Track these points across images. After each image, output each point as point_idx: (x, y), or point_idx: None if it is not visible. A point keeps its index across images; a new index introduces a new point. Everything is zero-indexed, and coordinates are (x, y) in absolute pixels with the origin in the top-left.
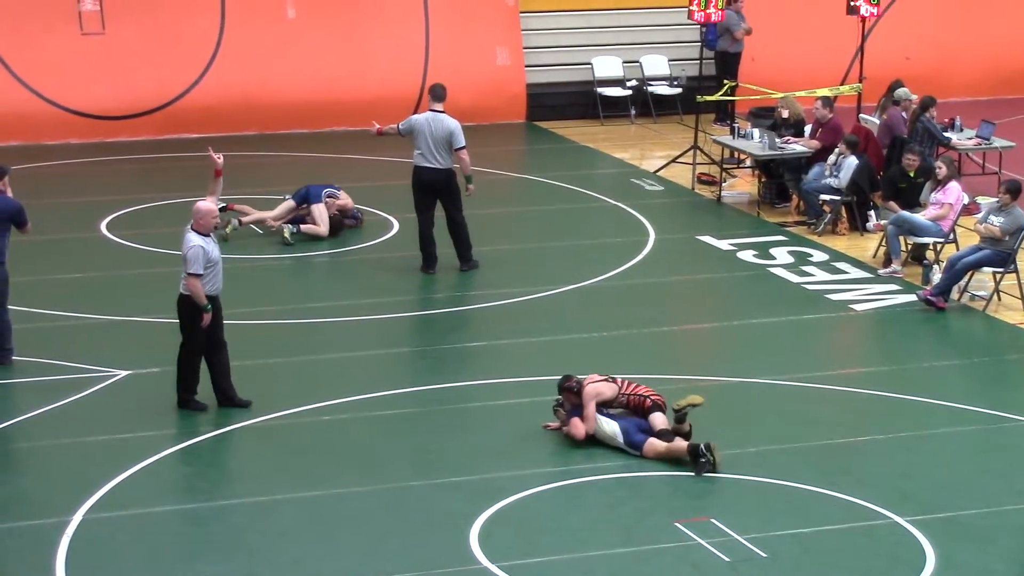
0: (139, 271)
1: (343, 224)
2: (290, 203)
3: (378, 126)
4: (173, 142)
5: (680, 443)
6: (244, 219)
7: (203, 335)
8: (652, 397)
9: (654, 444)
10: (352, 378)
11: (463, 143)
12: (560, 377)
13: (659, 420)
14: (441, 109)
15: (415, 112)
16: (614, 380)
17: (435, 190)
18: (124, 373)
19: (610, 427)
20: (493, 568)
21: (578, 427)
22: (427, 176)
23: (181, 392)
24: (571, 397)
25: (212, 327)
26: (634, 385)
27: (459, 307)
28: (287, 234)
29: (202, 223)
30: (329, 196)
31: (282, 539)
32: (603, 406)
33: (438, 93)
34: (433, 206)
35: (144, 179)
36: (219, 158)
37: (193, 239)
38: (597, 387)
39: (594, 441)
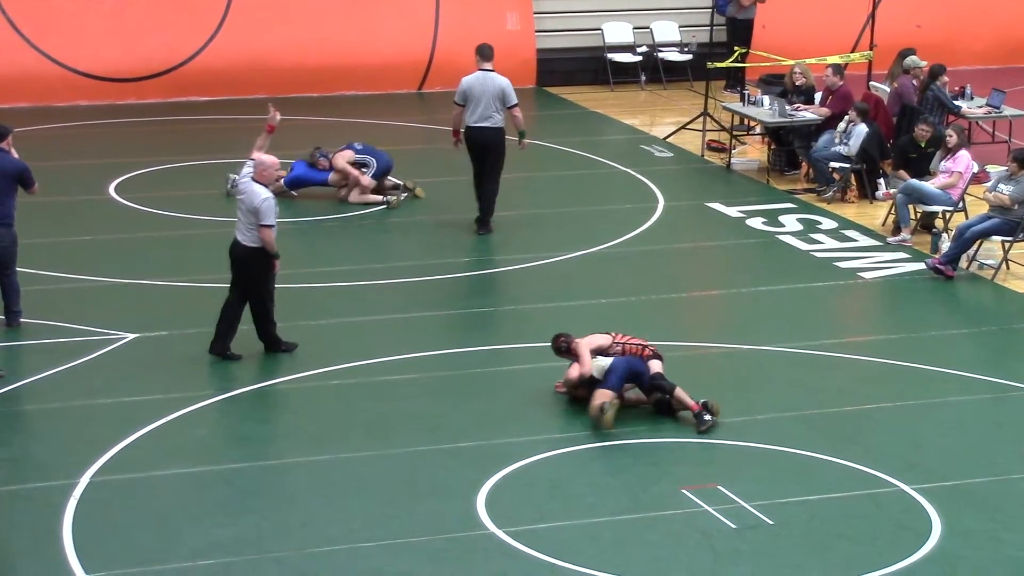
0: (148, 234)
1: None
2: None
3: (456, 140)
4: (182, 105)
5: (638, 395)
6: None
7: (270, 283)
8: (650, 347)
9: (601, 394)
10: (359, 343)
11: (516, 100)
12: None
13: (656, 366)
14: (491, 68)
15: (425, 74)
16: (608, 333)
17: (488, 149)
18: (132, 336)
19: (604, 363)
20: (499, 533)
21: (572, 370)
22: (482, 136)
23: (221, 343)
24: (565, 356)
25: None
26: (629, 336)
27: (467, 272)
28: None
29: (265, 175)
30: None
31: (290, 503)
32: (599, 353)
33: (487, 53)
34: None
35: (153, 142)
36: (276, 115)
37: (262, 191)
38: (590, 337)
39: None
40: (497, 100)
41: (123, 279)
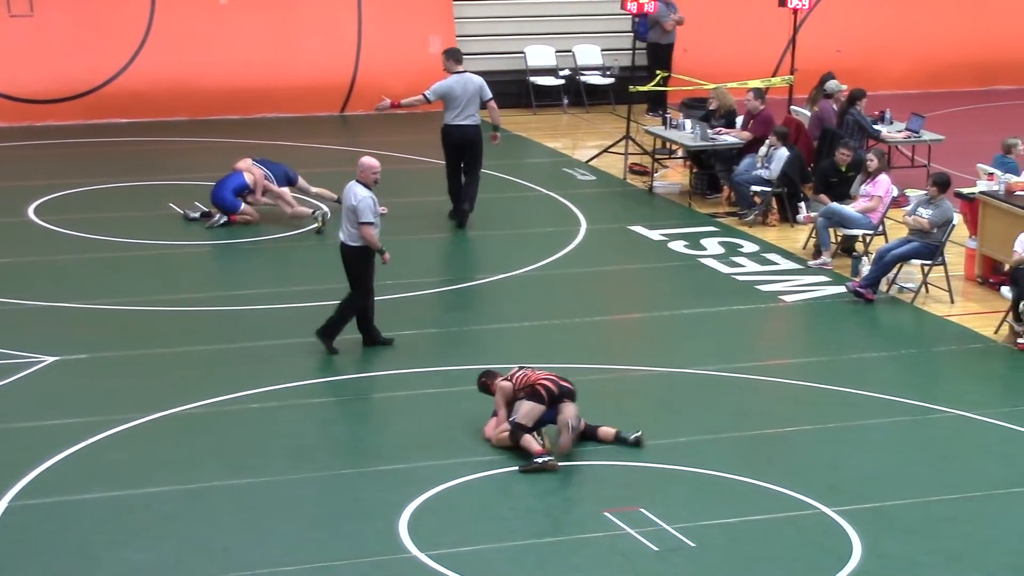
0: (67, 256)
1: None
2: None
3: (388, 101)
4: (103, 127)
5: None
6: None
7: (372, 278)
8: (540, 381)
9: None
10: (279, 366)
11: (491, 94)
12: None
13: (570, 411)
14: (464, 70)
15: (347, 97)
16: (509, 378)
17: (467, 145)
18: (51, 359)
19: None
20: (422, 557)
21: (487, 430)
22: (461, 134)
23: (328, 334)
24: (489, 393)
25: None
26: (528, 374)
27: (389, 295)
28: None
29: (364, 176)
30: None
31: (211, 527)
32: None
33: (459, 56)
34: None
35: (73, 164)
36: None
37: (360, 191)
38: (502, 387)
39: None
40: (476, 98)
41: (42, 302)
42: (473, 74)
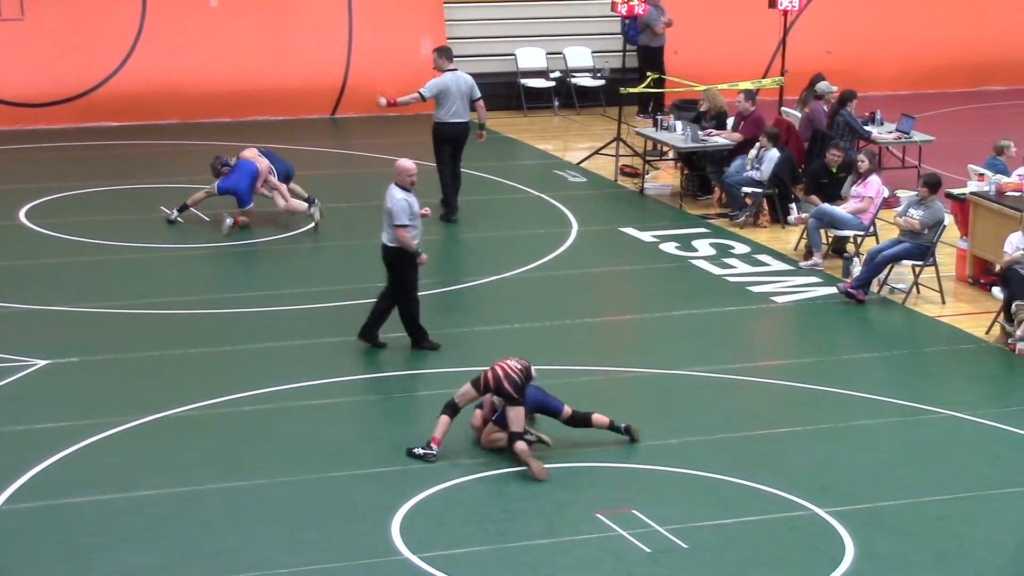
0: (58, 260)
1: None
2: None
3: (385, 100)
4: (93, 130)
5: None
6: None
7: (413, 279)
8: (501, 383)
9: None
10: (272, 369)
11: (480, 93)
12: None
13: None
14: (455, 67)
15: (338, 99)
16: (478, 385)
17: (461, 140)
18: (43, 363)
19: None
20: (414, 559)
21: (475, 421)
22: (456, 130)
23: (369, 332)
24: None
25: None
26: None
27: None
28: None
29: (400, 179)
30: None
31: (203, 530)
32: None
33: (450, 54)
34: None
35: (64, 167)
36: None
37: (396, 194)
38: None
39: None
40: (467, 96)
41: (33, 305)
42: (463, 72)
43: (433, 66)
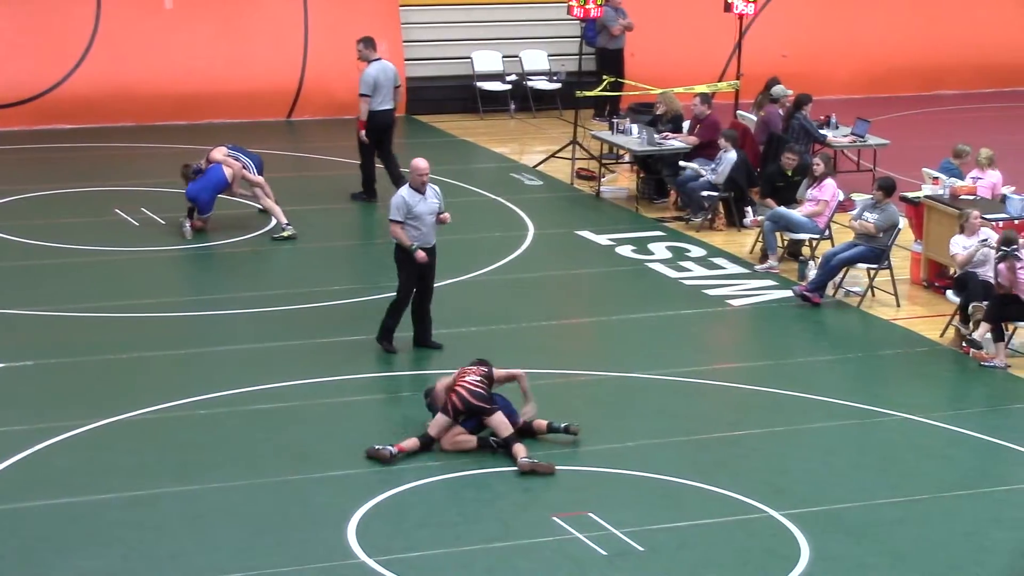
0: (12, 263)
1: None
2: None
3: (364, 132)
4: (48, 133)
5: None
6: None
7: (414, 279)
8: (465, 398)
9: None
10: (227, 372)
11: (399, 81)
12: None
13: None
14: (379, 56)
15: (294, 102)
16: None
17: (390, 127)
18: None
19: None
20: (371, 562)
21: (432, 429)
22: (387, 118)
23: (421, 336)
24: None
25: (421, 274)
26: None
27: (338, 301)
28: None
29: (411, 177)
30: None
31: (159, 533)
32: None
33: (374, 43)
34: None
35: (17, 170)
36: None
37: (401, 191)
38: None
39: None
40: (392, 83)
41: None
42: (386, 60)
43: (358, 57)
